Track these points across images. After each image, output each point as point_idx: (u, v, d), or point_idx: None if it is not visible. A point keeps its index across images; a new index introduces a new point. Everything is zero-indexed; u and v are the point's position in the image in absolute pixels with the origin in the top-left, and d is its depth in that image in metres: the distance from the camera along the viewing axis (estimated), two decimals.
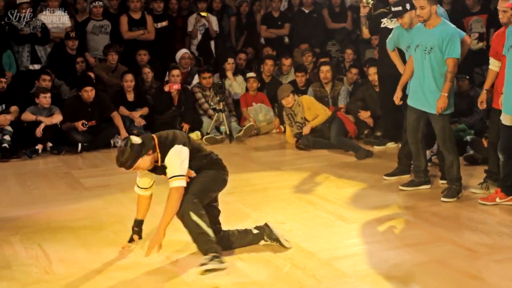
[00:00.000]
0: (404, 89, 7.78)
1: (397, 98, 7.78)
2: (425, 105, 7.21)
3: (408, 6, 7.63)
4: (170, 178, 5.31)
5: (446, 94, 7.03)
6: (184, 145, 5.35)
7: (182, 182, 5.30)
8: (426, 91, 7.16)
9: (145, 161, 5.29)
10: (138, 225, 5.84)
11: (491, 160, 7.48)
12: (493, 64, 7.16)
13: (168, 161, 5.32)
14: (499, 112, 6.98)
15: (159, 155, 5.34)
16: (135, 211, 6.96)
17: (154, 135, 5.43)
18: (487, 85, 7.31)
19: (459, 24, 11.02)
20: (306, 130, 9.98)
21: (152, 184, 5.71)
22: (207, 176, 5.52)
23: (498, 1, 7.02)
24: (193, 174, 5.47)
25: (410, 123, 7.46)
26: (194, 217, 5.27)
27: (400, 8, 7.70)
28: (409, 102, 7.43)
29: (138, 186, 5.73)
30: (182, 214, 5.31)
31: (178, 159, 5.30)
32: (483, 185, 7.44)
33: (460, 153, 8.56)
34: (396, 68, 8.27)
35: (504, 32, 7.04)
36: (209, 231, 5.32)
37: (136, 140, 5.27)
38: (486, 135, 8.10)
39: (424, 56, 7.14)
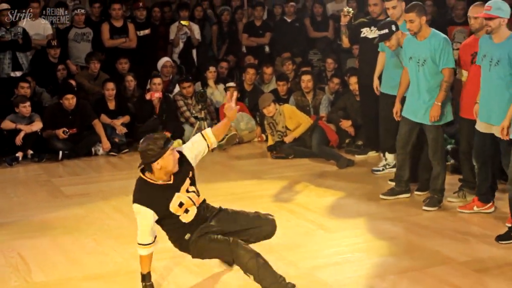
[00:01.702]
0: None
1: (396, 113, 7.65)
2: (420, 116, 7.23)
3: (394, 27, 7.63)
4: None
5: (439, 104, 7.04)
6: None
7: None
8: (421, 102, 7.17)
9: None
10: (149, 278, 5.12)
11: (465, 169, 7.51)
12: (461, 74, 7.22)
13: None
14: (468, 121, 7.06)
15: None
16: (115, 219, 7.01)
17: None
18: (454, 95, 7.36)
19: (442, 31, 11.13)
20: (288, 139, 9.98)
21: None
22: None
23: (470, 8, 7.10)
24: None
25: (401, 134, 7.46)
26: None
27: (386, 30, 7.66)
28: (404, 113, 7.43)
29: (143, 245, 5.00)
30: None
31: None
32: (459, 193, 7.48)
33: None
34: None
35: (471, 42, 7.11)
36: None
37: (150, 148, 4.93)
38: None
39: (418, 68, 7.15)
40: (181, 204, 4.99)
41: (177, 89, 11.59)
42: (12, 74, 11.14)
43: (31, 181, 8.85)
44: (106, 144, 10.28)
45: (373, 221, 6.87)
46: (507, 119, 6.21)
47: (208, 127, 10.59)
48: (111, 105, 10.83)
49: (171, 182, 4.99)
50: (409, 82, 7.42)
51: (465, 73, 7.15)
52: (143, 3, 12.46)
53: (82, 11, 11.93)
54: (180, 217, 5.02)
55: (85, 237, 6.45)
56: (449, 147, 8.97)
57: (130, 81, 11.31)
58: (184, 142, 10.67)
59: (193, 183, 5.15)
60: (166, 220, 5.02)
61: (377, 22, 8.65)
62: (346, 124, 10.45)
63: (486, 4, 6.41)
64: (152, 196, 4.90)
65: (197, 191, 5.18)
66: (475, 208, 6.98)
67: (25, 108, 9.91)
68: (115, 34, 11.93)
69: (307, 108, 10.74)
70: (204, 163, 9.54)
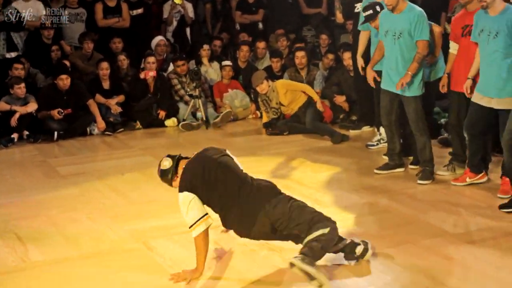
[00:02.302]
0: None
1: (370, 80, 7.87)
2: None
3: (378, 8, 7.71)
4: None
5: (410, 73, 7.08)
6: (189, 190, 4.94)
7: (197, 230, 4.89)
8: (398, 75, 7.19)
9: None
10: None
11: (455, 143, 7.54)
12: (453, 48, 7.22)
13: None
14: (457, 94, 7.10)
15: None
16: (111, 198, 7.03)
17: (183, 160, 5.13)
18: (447, 69, 7.33)
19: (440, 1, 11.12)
20: (319, 105, 9.95)
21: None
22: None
23: None
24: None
25: (383, 106, 7.51)
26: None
27: (371, 11, 7.76)
28: (382, 85, 7.48)
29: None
30: None
31: (183, 208, 4.94)
32: (448, 167, 7.51)
33: (434, 136, 8.63)
34: (369, 53, 8.33)
35: (462, 15, 7.12)
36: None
37: (164, 165, 5.11)
38: None
39: (394, 41, 7.20)
40: None
41: (171, 67, 11.56)
42: (8, 55, 11.11)
43: (27, 162, 8.84)
44: (101, 123, 10.27)
45: (368, 195, 6.91)
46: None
47: (202, 105, 10.65)
48: (106, 84, 10.80)
49: None
50: (382, 55, 7.51)
51: (456, 46, 7.15)
52: None
53: None
54: None
55: (81, 216, 6.46)
56: (443, 120, 8.99)
57: (123, 60, 11.27)
58: (178, 121, 10.72)
59: None
60: None
61: None
62: (340, 100, 10.46)
63: None
64: None
65: None
66: (467, 179, 7.02)
67: (20, 89, 9.88)
68: (109, 14, 11.90)
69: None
70: (199, 141, 9.67)
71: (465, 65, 6.91)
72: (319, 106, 9.94)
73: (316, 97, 10.01)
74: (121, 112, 10.71)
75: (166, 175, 5.09)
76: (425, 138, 7.33)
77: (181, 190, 4.95)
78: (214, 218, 5.05)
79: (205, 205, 4.97)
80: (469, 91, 6.83)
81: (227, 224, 5.09)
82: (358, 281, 4.94)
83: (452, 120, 7.47)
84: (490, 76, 6.51)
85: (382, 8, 7.65)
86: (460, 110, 7.21)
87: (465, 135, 6.91)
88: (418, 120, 7.28)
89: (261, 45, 12.19)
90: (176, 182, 5.06)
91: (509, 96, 6.40)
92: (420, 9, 7.22)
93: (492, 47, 6.45)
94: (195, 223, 4.88)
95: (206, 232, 4.92)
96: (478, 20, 6.64)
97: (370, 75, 7.87)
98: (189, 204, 4.89)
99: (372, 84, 7.90)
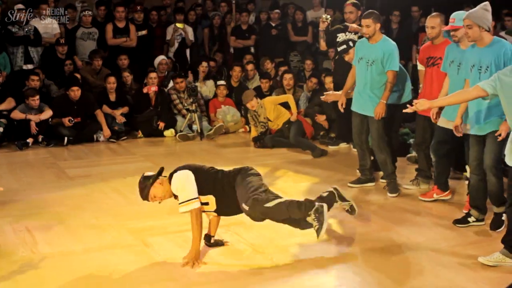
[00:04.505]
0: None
1: (340, 104, 7.77)
2: (366, 109, 7.28)
3: (351, 43, 7.80)
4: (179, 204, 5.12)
5: (385, 102, 7.10)
6: (187, 168, 5.20)
7: (189, 207, 5.08)
8: (366, 97, 7.23)
9: (157, 190, 5.13)
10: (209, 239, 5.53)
11: (420, 160, 7.56)
12: (421, 67, 7.31)
13: (174, 189, 5.17)
14: (422, 117, 7.13)
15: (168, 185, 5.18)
16: (113, 198, 7.01)
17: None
18: (421, 81, 7.31)
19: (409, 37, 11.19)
20: (294, 118, 10.00)
21: None
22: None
23: (427, 18, 7.14)
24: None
25: (354, 126, 7.52)
26: (268, 204, 5.06)
27: (344, 46, 7.92)
28: (353, 107, 7.49)
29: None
30: (258, 216, 5.15)
31: (181, 184, 5.12)
32: (414, 181, 7.53)
33: (403, 154, 8.68)
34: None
35: (429, 47, 7.13)
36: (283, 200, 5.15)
37: (147, 173, 5.21)
38: None
39: (367, 68, 7.21)
40: None
41: (171, 84, 11.57)
42: (24, 67, 11.12)
43: (39, 163, 8.81)
44: (106, 131, 10.28)
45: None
46: (458, 117, 6.21)
47: (197, 118, 10.66)
48: (112, 97, 10.81)
49: None
50: (354, 82, 7.51)
51: (422, 66, 7.21)
52: (141, 7, 12.43)
53: (90, 12, 11.93)
54: None
55: (86, 214, 6.45)
56: (411, 140, 9.02)
57: (127, 77, 11.32)
58: (176, 132, 10.70)
59: None
60: None
61: None
62: (321, 118, 10.48)
63: (451, 17, 6.44)
64: None
65: None
66: (434, 195, 6.99)
67: (34, 101, 9.87)
68: (118, 34, 11.92)
69: (287, 103, 10.75)
70: (193, 151, 9.68)
71: (429, 92, 6.93)
72: (293, 118, 9.99)
73: (294, 109, 10.06)
74: (125, 122, 10.71)
75: (145, 181, 5.19)
76: (384, 155, 7.33)
77: (187, 168, 5.24)
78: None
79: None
80: (435, 117, 6.83)
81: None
82: (331, 281, 4.95)
83: (418, 140, 7.50)
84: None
85: (354, 43, 7.72)
86: (425, 131, 7.25)
87: (432, 156, 6.91)
88: (379, 138, 7.29)
89: (249, 67, 12.22)
90: (159, 187, 5.19)
91: None
92: (393, 42, 7.26)
93: (461, 76, 6.35)
94: (186, 200, 5.09)
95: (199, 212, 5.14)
96: (449, 52, 6.60)
97: (342, 101, 7.77)
98: (188, 182, 5.12)
99: (341, 109, 7.81)
